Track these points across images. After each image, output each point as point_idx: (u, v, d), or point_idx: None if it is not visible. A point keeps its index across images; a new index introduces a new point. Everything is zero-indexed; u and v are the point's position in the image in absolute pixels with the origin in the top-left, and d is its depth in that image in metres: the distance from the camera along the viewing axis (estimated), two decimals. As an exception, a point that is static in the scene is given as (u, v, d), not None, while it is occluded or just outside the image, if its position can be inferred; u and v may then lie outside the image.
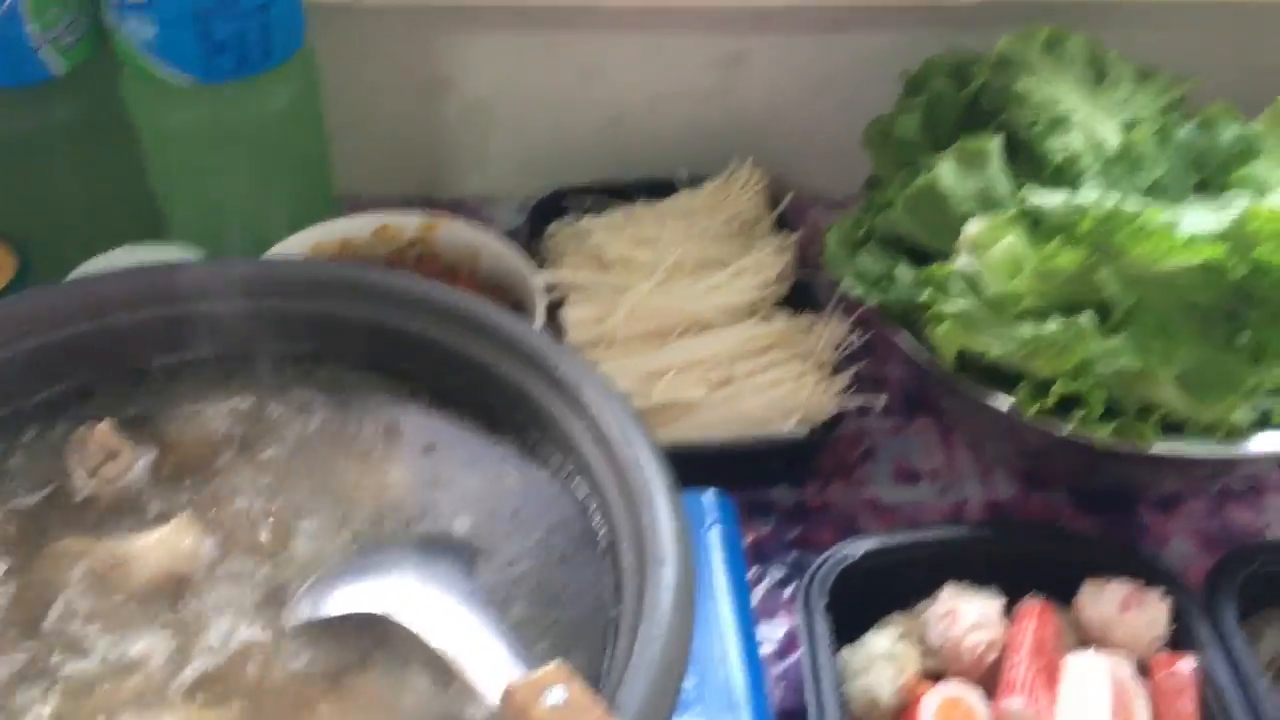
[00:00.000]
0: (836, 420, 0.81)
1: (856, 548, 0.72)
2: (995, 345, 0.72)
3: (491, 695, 0.42)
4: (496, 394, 0.59)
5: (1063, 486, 0.83)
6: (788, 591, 0.78)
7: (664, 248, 0.90)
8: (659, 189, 0.98)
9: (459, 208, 1.02)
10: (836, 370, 0.83)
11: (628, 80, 1.02)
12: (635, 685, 0.43)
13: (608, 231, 0.92)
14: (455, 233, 0.86)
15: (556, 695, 0.41)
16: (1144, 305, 0.70)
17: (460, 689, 0.49)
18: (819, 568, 0.71)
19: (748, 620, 0.66)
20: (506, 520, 0.55)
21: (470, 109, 1.04)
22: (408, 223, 0.87)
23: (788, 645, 0.75)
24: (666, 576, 0.47)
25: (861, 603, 0.70)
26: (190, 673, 0.49)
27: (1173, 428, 0.70)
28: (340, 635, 0.50)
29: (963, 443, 0.87)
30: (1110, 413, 0.70)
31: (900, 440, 0.88)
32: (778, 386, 0.81)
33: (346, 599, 0.49)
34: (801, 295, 0.89)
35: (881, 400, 0.85)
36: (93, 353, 0.60)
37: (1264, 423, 0.71)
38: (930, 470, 0.86)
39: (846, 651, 0.69)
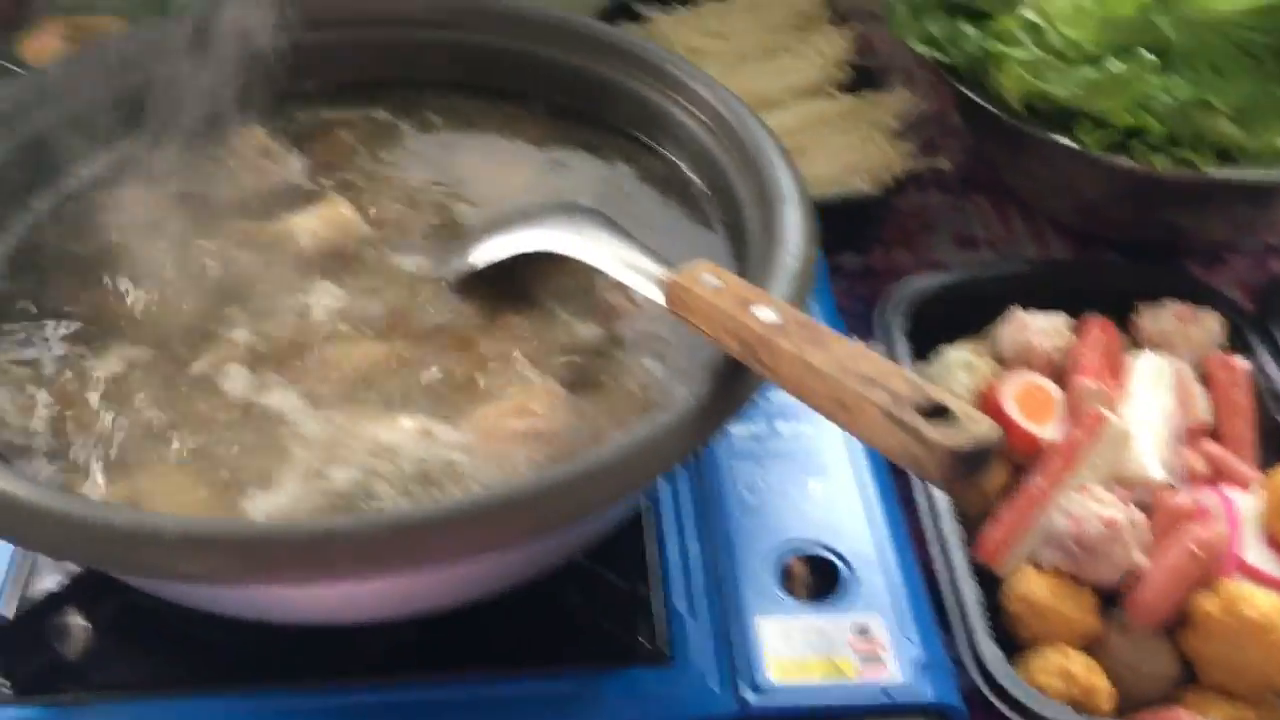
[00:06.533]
0: (903, 182, 0.86)
1: (930, 280, 0.77)
2: (1060, 87, 0.77)
3: (654, 291, 0.48)
4: (610, 103, 0.64)
5: (1113, 240, 0.88)
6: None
7: (730, 38, 0.95)
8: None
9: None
10: (901, 137, 0.88)
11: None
12: (776, 285, 0.48)
13: (675, 25, 0.97)
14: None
15: (711, 280, 0.46)
16: (1200, 47, 0.75)
17: (608, 313, 0.55)
18: (892, 295, 0.76)
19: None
20: (622, 199, 0.61)
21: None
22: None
23: (864, 376, 0.81)
24: (791, 213, 0.53)
25: (931, 336, 0.76)
26: (360, 316, 0.55)
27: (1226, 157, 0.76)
28: (496, 280, 0.55)
29: (1017, 211, 0.92)
30: (1167, 147, 0.75)
31: (957, 213, 0.93)
32: (848, 150, 0.86)
33: (502, 247, 0.55)
34: (863, 80, 0.94)
35: (946, 163, 0.89)
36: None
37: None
38: (987, 237, 0.91)
39: (921, 366, 0.74)
